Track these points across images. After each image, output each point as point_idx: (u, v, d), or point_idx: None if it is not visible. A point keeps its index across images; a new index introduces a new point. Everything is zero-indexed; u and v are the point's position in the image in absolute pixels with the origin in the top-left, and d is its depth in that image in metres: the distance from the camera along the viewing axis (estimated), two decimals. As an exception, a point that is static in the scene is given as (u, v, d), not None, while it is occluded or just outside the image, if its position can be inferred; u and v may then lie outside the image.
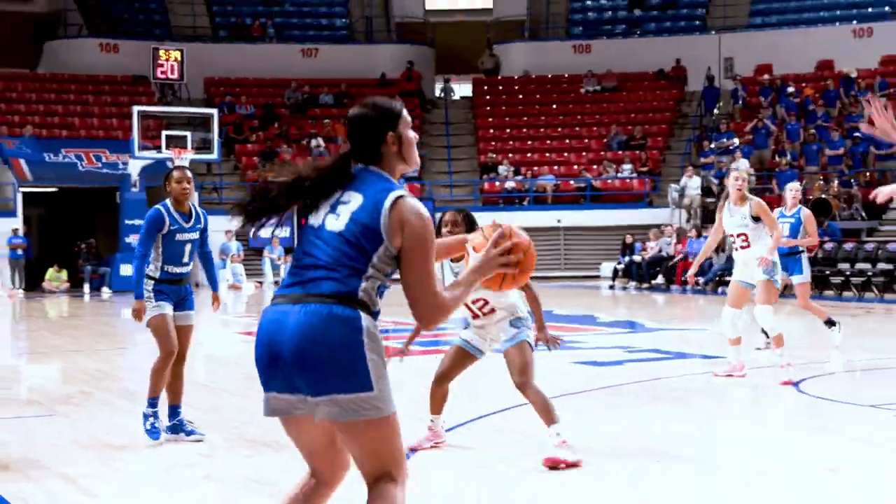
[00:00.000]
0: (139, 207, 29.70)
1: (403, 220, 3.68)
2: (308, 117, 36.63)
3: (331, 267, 3.71)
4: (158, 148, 29.49)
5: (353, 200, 3.76)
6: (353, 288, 3.68)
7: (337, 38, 40.86)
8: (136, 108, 30.00)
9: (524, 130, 36.72)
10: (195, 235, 7.95)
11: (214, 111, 30.88)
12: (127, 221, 29.92)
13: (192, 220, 7.97)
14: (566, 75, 38.40)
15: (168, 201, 7.96)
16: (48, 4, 39.00)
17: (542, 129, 36.64)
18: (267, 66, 38.32)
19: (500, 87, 38.89)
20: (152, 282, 7.84)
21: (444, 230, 6.88)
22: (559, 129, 36.51)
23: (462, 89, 40.83)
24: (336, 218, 3.76)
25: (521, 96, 38.17)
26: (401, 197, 3.71)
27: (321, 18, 41.67)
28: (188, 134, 29.86)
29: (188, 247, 7.91)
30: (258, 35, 39.87)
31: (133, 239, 29.60)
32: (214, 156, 30.48)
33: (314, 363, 3.61)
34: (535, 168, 34.42)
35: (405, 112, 3.93)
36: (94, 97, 36.48)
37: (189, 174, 8.01)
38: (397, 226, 3.68)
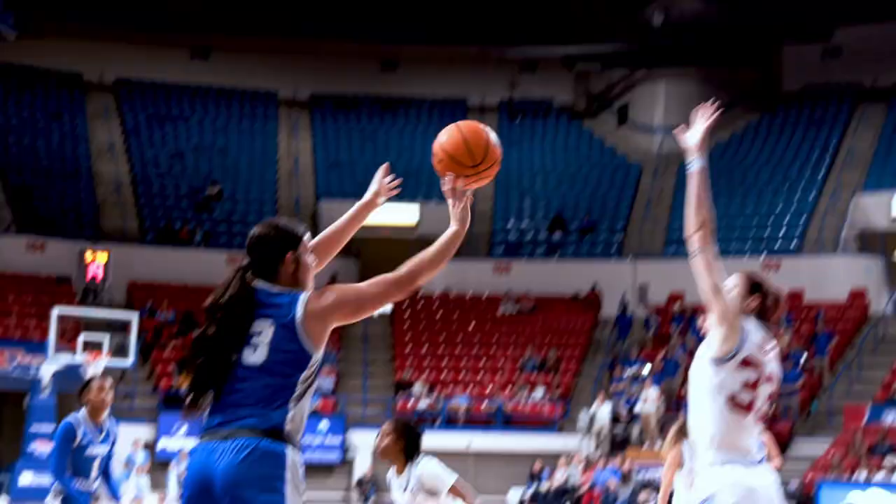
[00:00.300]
0: (47, 413, 28.80)
1: (319, 316, 3.91)
2: (228, 326, 36.00)
3: (255, 402, 3.82)
4: (74, 351, 28.76)
5: (265, 331, 3.92)
6: (279, 422, 3.82)
7: (264, 246, 40.65)
8: (55, 310, 29.36)
9: (441, 349, 36.38)
10: (105, 449, 7.86)
11: (134, 315, 30.35)
12: (33, 428, 28.91)
13: (104, 433, 7.89)
14: (485, 295, 38.36)
15: (82, 412, 7.82)
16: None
17: (458, 349, 36.31)
18: (192, 272, 37.94)
19: (420, 304, 38.65)
20: (59, 499, 7.61)
21: (382, 442, 7.23)
22: (475, 350, 36.20)
23: (385, 309, 40.51)
24: (253, 351, 3.89)
25: (440, 314, 37.95)
26: (303, 307, 3.90)
27: (251, 226, 41.46)
28: (106, 338, 29.21)
29: (97, 462, 7.78)
30: (185, 240, 39.63)
31: (37, 446, 28.59)
32: (129, 362, 29.78)
33: (241, 496, 3.69)
34: (450, 387, 34.00)
35: (307, 237, 4.16)
36: (14, 296, 35.78)
37: (109, 383, 8.00)
38: (321, 326, 3.93)
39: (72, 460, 7.69)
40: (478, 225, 41.30)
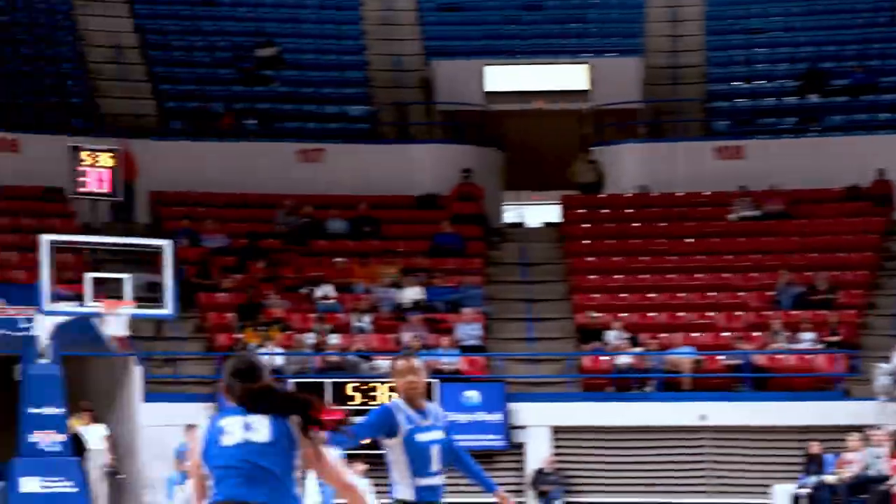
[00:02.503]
0: (50, 388, 29.09)
1: None
2: (310, 253, 36.22)
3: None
4: (80, 298, 29.08)
5: None
6: None
7: (353, 133, 40.68)
8: (45, 238, 29.67)
9: (642, 276, 36.20)
10: (439, 434, 10.02)
11: (166, 243, 30.54)
12: (31, 409, 29.28)
13: (431, 416, 10.03)
14: (706, 193, 38.06)
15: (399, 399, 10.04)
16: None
17: (669, 275, 36.12)
18: (247, 176, 38.02)
19: (604, 211, 38.42)
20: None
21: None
22: (697, 276, 36.01)
23: (545, 213, 40.32)
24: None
25: (635, 225, 37.75)
26: None
27: (328, 105, 41.55)
28: (126, 277, 29.47)
29: (435, 450, 9.92)
30: (231, 129, 39.73)
31: (41, 437, 29.03)
32: (168, 311, 30.06)
33: None
34: (663, 335, 33.85)
35: None
36: (-17, 217, 36.20)
37: (416, 363, 10.07)
38: None
39: (407, 453, 9.85)
40: (687, 89, 40.95)
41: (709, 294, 35.62)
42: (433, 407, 10.18)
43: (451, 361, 32.80)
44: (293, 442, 6.94)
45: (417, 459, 9.90)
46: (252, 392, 7.02)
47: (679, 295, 35.73)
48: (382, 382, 30.47)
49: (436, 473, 10.01)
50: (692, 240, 37.13)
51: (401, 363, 10.11)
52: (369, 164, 38.92)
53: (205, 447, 7.12)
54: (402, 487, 9.95)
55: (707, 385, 32.94)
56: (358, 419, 10.79)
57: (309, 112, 41.20)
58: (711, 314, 34.96)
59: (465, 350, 33.26)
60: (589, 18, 43.27)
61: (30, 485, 28.79)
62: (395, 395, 10.29)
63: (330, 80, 41.99)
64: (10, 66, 40.61)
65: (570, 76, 41.32)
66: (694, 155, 38.83)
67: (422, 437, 9.93)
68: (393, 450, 9.91)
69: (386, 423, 9.90)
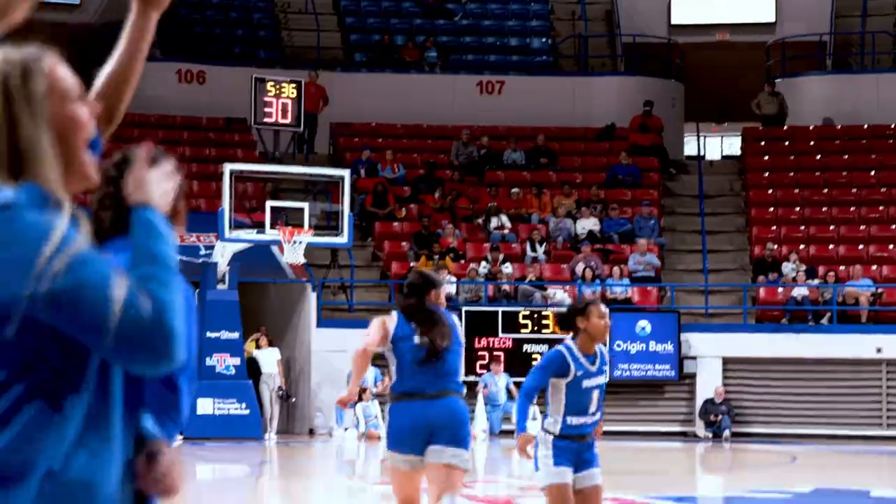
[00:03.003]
0: (228, 313, 29.88)
1: None
2: (486, 184, 36.74)
3: None
4: (260, 226, 29.73)
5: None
6: None
7: (533, 65, 41.07)
8: (228, 167, 30.37)
9: (823, 209, 36.20)
10: (602, 379, 10.56)
11: (345, 173, 31.10)
12: (209, 334, 30.10)
13: (598, 361, 10.53)
14: (891, 126, 37.86)
15: (572, 342, 10.48)
16: (101, 12, 40.03)
17: (852, 208, 36.10)
18: (426, 108, 38.51)
19: (787, 143, 38.28)
20: (550, 437, 10.31)
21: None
22: (881, 208, 36.00)
23: (727, 145, 40.14)
24: None
25: (818, 157, 37.73)
26: None
27: (509, 37, 41.87)
28: (306, 206, 30.05)
29: (596, 394, 10.51)
30: (413, 61, 40.24)
31: (218, 360, 29.86)
32: (344, 239, 30.59)
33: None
34: (841, 268, 33.76)
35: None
36: (166, 147, 36.85)
37: (605, 309, 10.59)
38: None
39: (568, 395, 10.38)
40: (875, 20, 40.55)
41: (891, 226, 35.51)
42: (601, 350, 10.68)
43: (624, 292, 33.02)
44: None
45: (577, 401, 10.38)
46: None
47: (860, 228, 35.68)
48: (553, 312, 30.72)
49: (591, 414, 10.49)
50: (876, 171, 37.03)
51: (597, 308, 10.57)
52: (548, 97, 39.21)
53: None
54: (552, 419, 10.44)
55: (884, 318, 32.84)
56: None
57: (490, 45, 41.58)
58: (892, 246, 34.87)
59: (638, 281, 33.47)
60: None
61: (205, 406, 29.69)
62: (571, 334, 10.67)
63: (512, 12, 42.31)
64: (201, 4, 41.59)
65: (757, 8, 41.14)
66: (881, 87, 38.64)
67: (588, 384, 10.43)
68: (556, 387, 10.42)
69: (560, 368, 10.37)
